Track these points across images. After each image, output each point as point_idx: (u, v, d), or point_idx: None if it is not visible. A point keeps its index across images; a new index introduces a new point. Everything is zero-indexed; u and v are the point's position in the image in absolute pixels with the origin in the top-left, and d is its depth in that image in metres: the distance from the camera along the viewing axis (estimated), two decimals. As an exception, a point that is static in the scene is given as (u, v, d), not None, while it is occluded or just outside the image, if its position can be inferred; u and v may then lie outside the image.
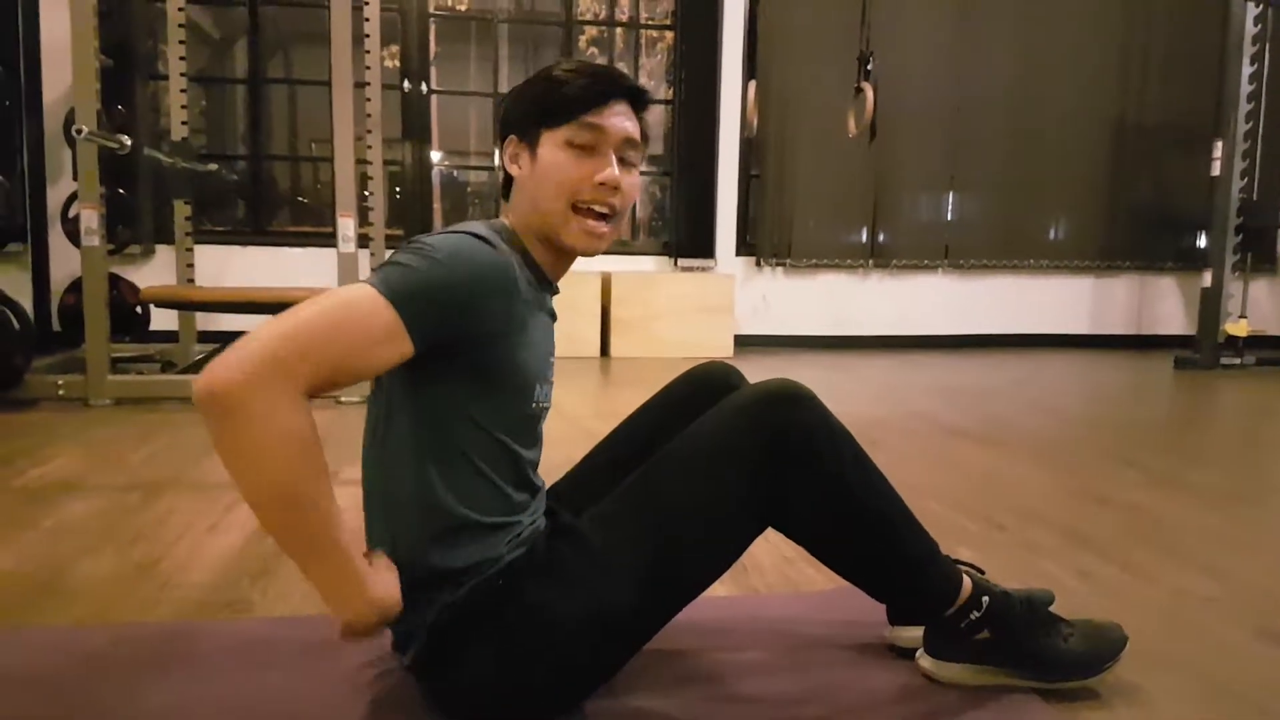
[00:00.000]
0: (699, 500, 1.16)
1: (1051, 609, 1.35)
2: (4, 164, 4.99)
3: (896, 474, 1.33)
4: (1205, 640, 1.52)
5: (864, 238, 6.21)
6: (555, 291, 1.28)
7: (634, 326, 5.54)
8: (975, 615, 1.29)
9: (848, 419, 1.29)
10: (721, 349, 5.55)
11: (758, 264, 6.12)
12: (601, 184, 1.16)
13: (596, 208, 1.17)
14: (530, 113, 1.18)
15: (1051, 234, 6.47)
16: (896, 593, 1.32)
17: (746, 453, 1.16)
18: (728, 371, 1.46)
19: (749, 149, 6.06)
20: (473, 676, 1.13)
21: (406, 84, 5.73)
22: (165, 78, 4.80)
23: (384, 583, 1.06)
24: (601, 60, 6.78)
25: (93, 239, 3.58)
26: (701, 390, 1.41)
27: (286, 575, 1.76)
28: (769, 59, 5.94)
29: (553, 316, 1.27)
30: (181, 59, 4.60)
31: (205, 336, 4.78)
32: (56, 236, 5.26)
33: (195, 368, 4.13)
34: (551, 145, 1.16)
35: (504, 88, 6.52)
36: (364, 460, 1.19)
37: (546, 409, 1.23)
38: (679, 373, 1.49)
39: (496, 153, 1.30)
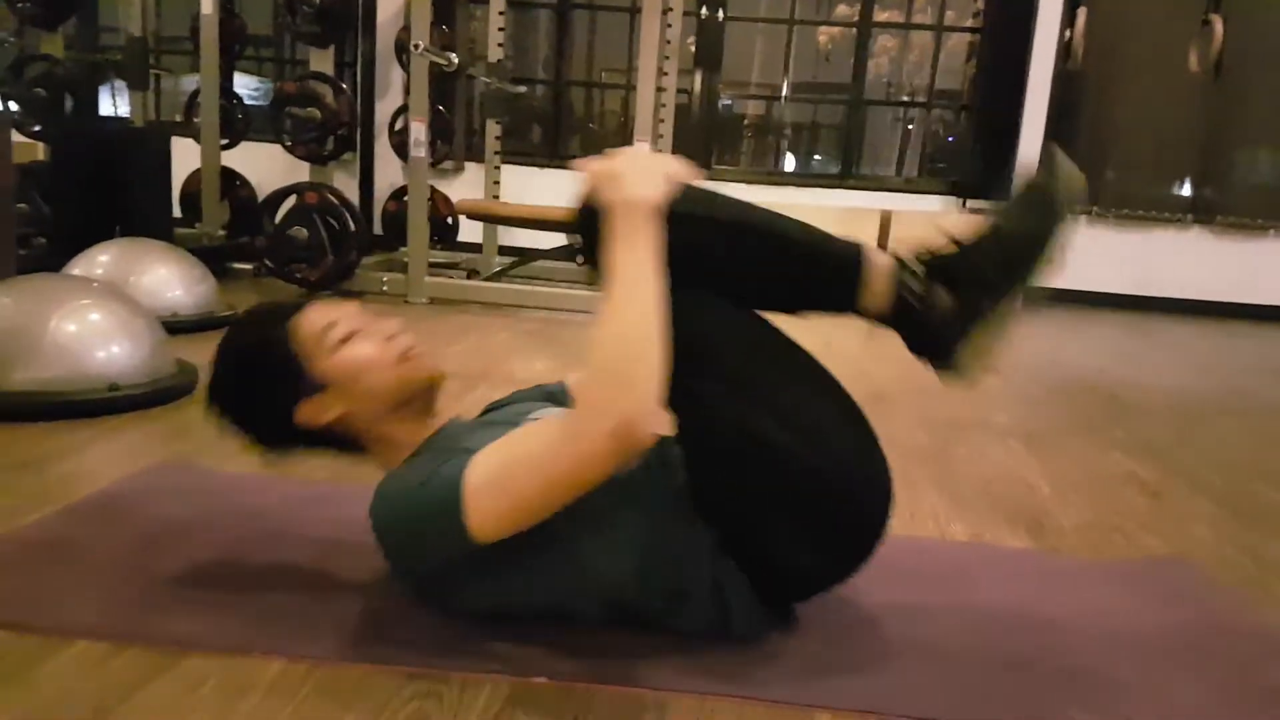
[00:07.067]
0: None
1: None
2: (340, 78, 5.51)
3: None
4: None
5: (1187, 190, 5.59)
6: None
7: (915, 269, 5.34)
8: (914, 283, 1.14)
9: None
10: (1008, 299, 5.23)
11: (1058, 211, 5.68)
12: (390, 337, 1.20)
13: (408, 349, 1.20)
14: (281, 379, 1.18)
15: None
16: (810, 284, 1.18)
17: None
18: None
19: (1066, 82, 5.57)
20: (791, 553, 1.14)
21: (704, 10, 5.73)
22: (484, 0, 5.08)
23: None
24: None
25: (420, 150, 3.90)
26: None
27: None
28: (1098, -15, 5.42)
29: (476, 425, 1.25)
30: (502, -18, 4.85)
31: (504, 250, 5.11)
32: (381, 148, 5.77)
33: (497, 276, 4.43)
34: (326, 363, 1.17)
35: (798, 14, 6.39)
36: None
37: None
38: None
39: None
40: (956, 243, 1.16)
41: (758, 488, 1.10)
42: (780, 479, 1.10)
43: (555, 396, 1.40)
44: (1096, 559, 1.58)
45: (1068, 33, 5.40)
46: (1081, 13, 5.24)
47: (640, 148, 1.15)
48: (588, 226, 1.11)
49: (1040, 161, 1.18)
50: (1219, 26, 4.05)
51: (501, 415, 1.28)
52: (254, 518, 1.48)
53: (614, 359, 1.00)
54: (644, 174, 1.09)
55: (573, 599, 1.15)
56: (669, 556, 1.13)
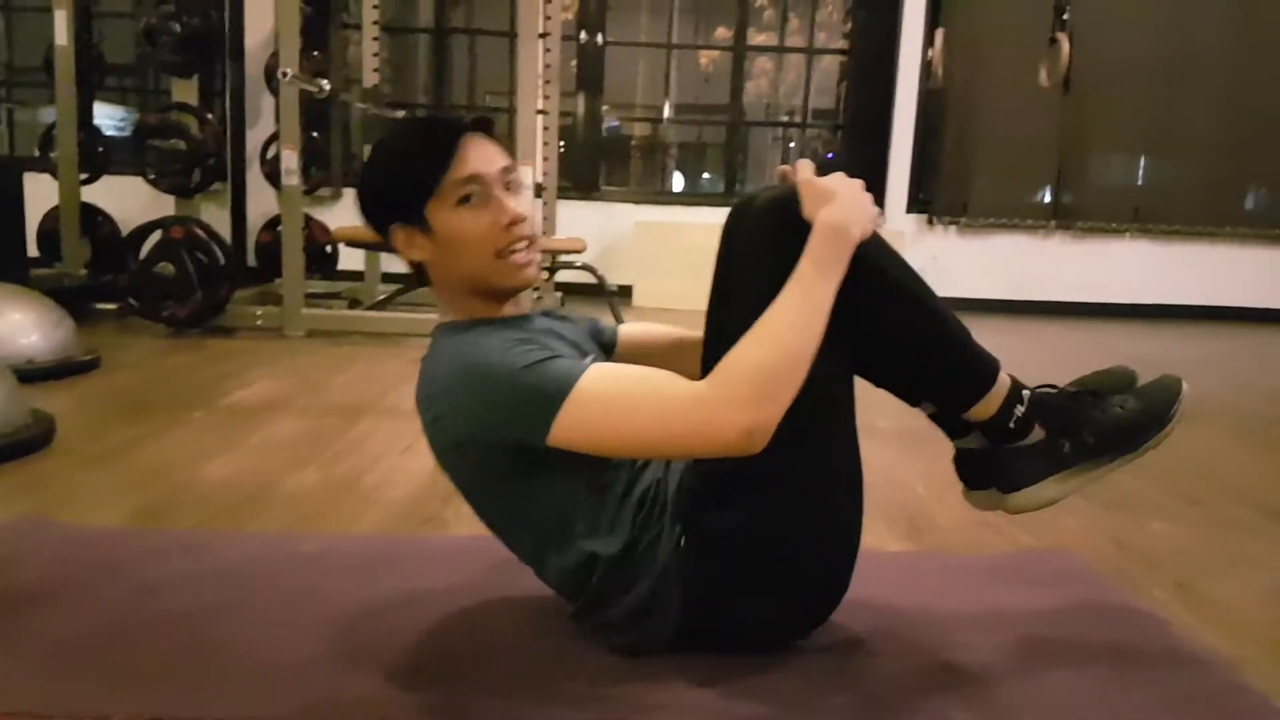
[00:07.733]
0: None
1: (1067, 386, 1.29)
2: (207, 108, 5.34)
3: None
4: None
5: (1047, 197, 5.89)
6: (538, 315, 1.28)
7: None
8: (1020, 410, 1.22)
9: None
10: (888, 308, 5.41)
11: (930, 222, 5.91)
12: (510, 225, 1.16)
13: (516, 246, 1.17)
14: (402, 194, 1.17)
15: (1253, 201, 5.98)
16: (945, 377, 1.23)
17: (780, 268, 1.10)
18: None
19: (930, 100, 5.82)
20: (751, 604, 1.17)
21: (583, 35, 5.78)
22: (357, 26, 5.01)
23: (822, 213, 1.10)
24: (771, 12, 6.65)
25: (292, 179, 3.80)
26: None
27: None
28: (957, 4, 5.67)
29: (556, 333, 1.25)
30: (375, 7, 4.78)
31: (388, 277, 5.02)
32: (253, 177, 5.60)
33: (380, 305, 4.35)
34: (442, 213, 1.15)
35: (676, 39, 6.49)
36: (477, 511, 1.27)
37: None
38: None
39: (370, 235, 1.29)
40: (1075, 389, 1.25)
41: (770, 522, 1.14)
42: (795, 528, 1.15)
43: (600, 335, 1.38)
44: (974, 554, 1.64)
45: (929, 52, 5.64)
46: (939, 33, 5.49)
47: (855, 182, 1.16)
48: (780, 224, 1.13)
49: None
50: (1065, 44, 4.29)
51: (571, 333, 1.27)
52: (117, 574, 1.41)
53: (772, 370, 1.03)
54: (856, 208, 1.12)
55: (548, 547, 1.18)
56: (637, 547, 1.15)
